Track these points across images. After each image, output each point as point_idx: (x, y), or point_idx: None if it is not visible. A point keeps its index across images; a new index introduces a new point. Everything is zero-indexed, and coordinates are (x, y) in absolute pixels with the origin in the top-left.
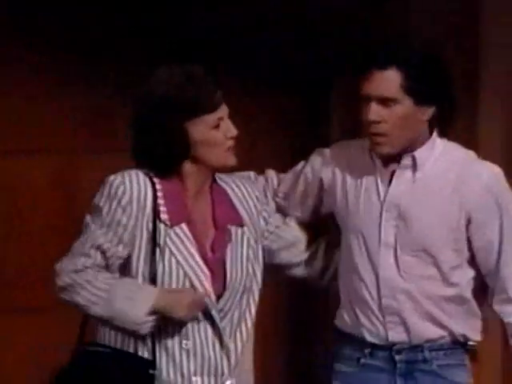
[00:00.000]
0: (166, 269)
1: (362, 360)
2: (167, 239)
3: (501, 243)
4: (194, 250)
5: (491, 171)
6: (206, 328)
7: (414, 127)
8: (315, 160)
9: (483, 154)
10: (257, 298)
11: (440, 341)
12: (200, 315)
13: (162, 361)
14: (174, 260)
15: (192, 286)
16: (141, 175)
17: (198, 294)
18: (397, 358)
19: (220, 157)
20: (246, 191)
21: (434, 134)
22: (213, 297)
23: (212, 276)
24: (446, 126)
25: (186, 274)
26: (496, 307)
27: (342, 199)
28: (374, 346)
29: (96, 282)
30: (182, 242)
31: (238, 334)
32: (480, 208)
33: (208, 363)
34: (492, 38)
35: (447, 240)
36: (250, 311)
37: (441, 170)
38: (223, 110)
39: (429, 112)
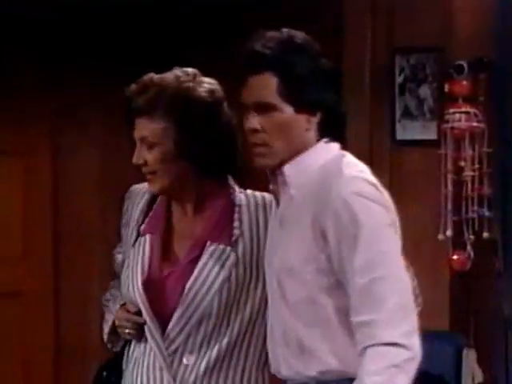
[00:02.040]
0: (124, 278)
1: None
2: (132, 249)
3: (353, 262)
4: (139, 264)
5: (353, 188)
6: (151, 346)
7: (298, 137)
8: None
9: None
10: (237, 328)
11: (325, 375)
12: (146, 331)
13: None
14: (128, 270)
15: (133, 297)
16: None
17: (129, 316)
18: None
19: None
20: (262, 217)
21: (316, 146)
22: (147, 313)
23: (164, 292)
24: (332, 133)
25: (130, 284)
26: None
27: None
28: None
29: (112, 301)
30: (138, 253)
31: (197, 360)
32: (335, 227)
33: (153, 379)
34: None
35: (308, 260)
36: (217, 340)
37: (312, 187)
38: None
39: (313, 120)
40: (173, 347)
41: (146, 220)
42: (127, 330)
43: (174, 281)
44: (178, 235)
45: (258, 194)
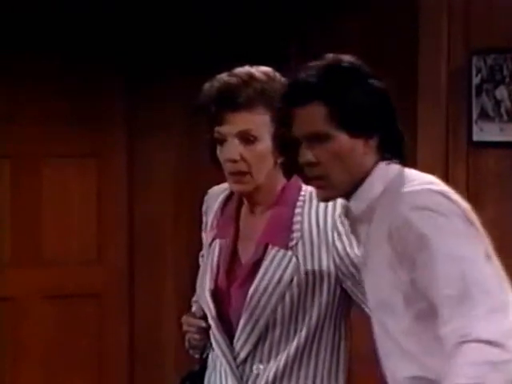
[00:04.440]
0: (198, 286)
1: None
2: (205, 255)
3: (436, 279)
4: (209, 271)
5: (412, 203)
6: (220, 356)
7: (356, 163)
8: None
9: None
10: (304, 334)
11: None
12: (213, 339)
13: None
14: (200, 276)
15: (202, 305)
16: (228, 187)
17: (191, 320)
18: None
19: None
20: (323, 218)
21: (375, 171)
22: (214, 321)
23: (230, 299)
24: (392, 153)
25: (201, 292)
26: None
27: None
28: None
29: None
30: (208, 260)
31: (266, 368)
32: (406, 250)
33: None
34: None
35: (395, 291)
36: (286, 347)
37: (379, 216)
38: None
39: (370, 143)
40: (241, 357)
41: (218, 223)
42: (192, 336)
43: (238, 288)
44: (243, 236)
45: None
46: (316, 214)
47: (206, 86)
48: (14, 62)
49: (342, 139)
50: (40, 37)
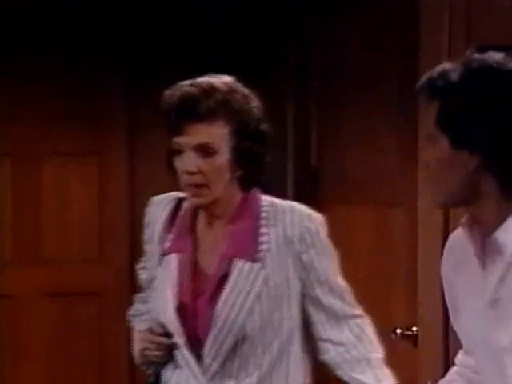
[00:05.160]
0: (154, 300)
1: None
2: (159, 268)
3: None
4: (169, 287)
5: None
6: (187, 372)
7: (457, 178)
8: None
9: None
10: (276, 348)
11: None
12: (179, 356)
13: None
14: (157, 291)
15: (164, 321)
16: (173, 197)
17: (153, 337)
18: None
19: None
20: (290, 229)
21: None
22: (181, 339)
23: (197, 315)
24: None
25: (161, 308)
26: None
27: None
28: None
29: (138, 318)
30: (166, 275)
31: None
32: None
33: None
34: None
35: None
36: (256, 362)
37: None
38: None
39: (473, 160)
40: (210, 373)
41: (171, 237)
42: (152, 353)
43: (206, 303)
44: (204, 250)
45: (285, 203)
46: (283, 225)
47: (167, 93)
48: (14, 62)
49: (443, 145)
50: (40, 37)
